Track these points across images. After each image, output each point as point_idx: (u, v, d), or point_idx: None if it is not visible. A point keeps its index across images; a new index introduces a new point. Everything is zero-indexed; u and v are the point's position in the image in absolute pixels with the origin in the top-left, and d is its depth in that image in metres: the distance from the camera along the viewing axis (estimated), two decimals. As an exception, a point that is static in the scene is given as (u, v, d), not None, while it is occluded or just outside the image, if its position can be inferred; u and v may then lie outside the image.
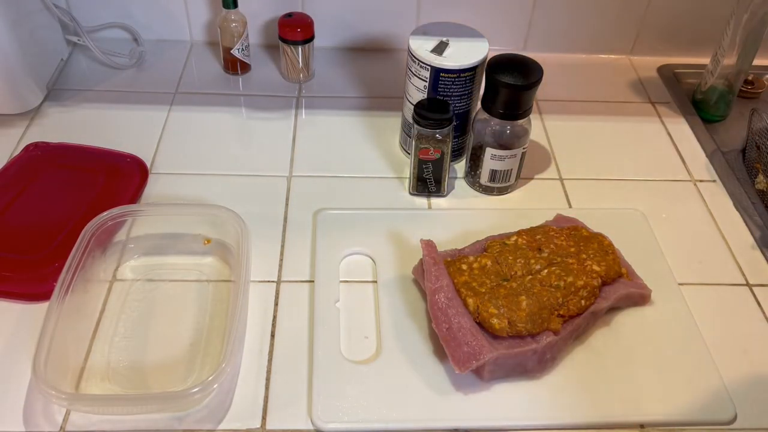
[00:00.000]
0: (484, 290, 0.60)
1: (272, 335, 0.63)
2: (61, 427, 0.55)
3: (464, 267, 0.62)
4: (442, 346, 0.58)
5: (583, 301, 0.60)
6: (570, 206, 0.78)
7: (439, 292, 0.59)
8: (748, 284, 0.70)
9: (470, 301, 0.59)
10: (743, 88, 0.96)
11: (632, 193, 0.81)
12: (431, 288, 0.60)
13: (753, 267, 0.72)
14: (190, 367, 0.60)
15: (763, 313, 0.68)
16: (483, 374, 0.58)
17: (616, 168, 0.84)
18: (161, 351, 0.61)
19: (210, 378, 0.53)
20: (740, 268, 0.72)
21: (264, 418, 0.57)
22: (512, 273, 0.62)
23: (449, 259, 0.64)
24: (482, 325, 0.58)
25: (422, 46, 0.74)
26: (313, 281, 0.68)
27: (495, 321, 0.57)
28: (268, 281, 0.68)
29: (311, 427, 0.56)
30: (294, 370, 0.60)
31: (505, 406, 0.58)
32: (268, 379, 0.60)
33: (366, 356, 0.61)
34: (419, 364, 0.60)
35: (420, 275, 0.64)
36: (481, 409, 0.57)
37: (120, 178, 0.76)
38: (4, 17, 0.78)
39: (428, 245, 0.63)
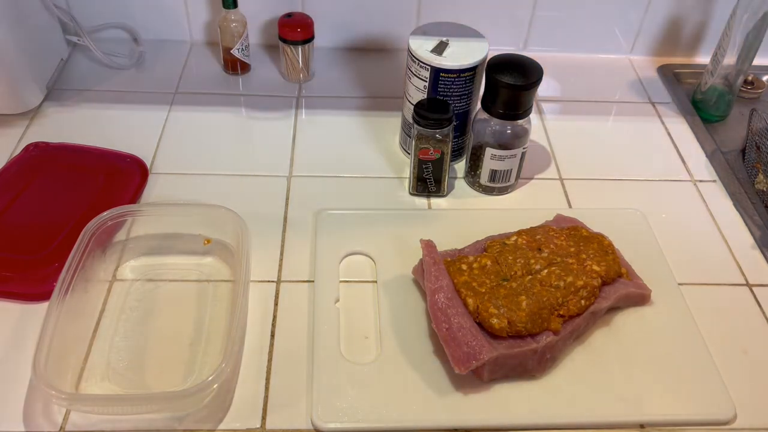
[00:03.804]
0: (484, 290, 0.60)
1: (272, 335, 0.63)
2: (61, 427, 0.55)
3: (464, 267, 0.62)
4: (442, 346, 0.58)
5: (583, 301, 0.60)
6: (570, 206, 0.78)
7: (439, 292, 0.59)
8: (748, 284, 0.70)
9: (470, 301, 0.59)
10: (743, 88, 0.96)
11: (632, 193, 0.81)
12: (431, 288, 0.60)
13: (753, 267, 0.72)
14: (190, 367, 0.60)
15: (763, 313, 0.68)
16: (483, 374, 0.58)
17: (616, 168, 0.84)
18: (161, 351, 0.61)
19: (210, 378, 0.53)
20: (740, 268, 0.72)
21: (264, 418, 0.57)
22: (512, 273, 0.62)
23: (449, 259, 0.64)
24: (482, 325, 0.58)
25: (422, 46, 0.74)
26: (313, 281, 0.68)
27: (495, 321, 0.57)
28: (268, 281, 0.68)
29: (311, 427, 0.56)
30: (294, 370, 0.60)
31: (505, 406, 0.58)
32: (268, 379, 0.59)
33: (366, 356, 0.61)
34: (419, 364, 0.60)
35: (420, 275, 0.64)
36: (481, 409, 0.57)
37: (120, 178, 0.76)
38: (4, 17, 0.78)
39: (428, 245, 0.63)
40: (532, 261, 0.63)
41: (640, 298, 0.66)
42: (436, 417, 0.57)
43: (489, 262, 0.62)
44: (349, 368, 0.59)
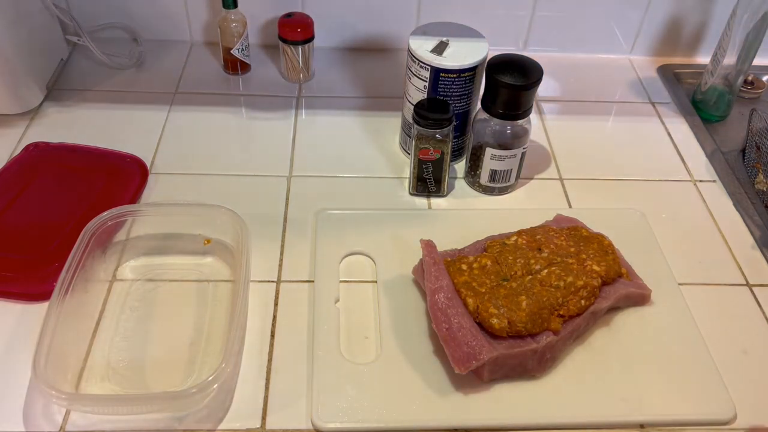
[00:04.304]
0: (484, 290, 0.60)
1: (272, 335, 0.63)
2: (61, 427, 0.55)
3: (464, 267, 0.62)
4: (442, 346, 0.58)
5: (583, 301, 0.60)
6: (570, 206, 0.78)
7: (439, 292, 0.59)
8: (748, 284, 0.70)
9: (470, 301, 0.59)
10: (743, 88, 0.96)
11: (632, 193, 0.81)
12: (431, 288, 0.60)
13: (753, 267, 0.72)
14: (190, 367, 0.60)
15: (763, 313, 0.68)
16: (483, 374, 0.58)
17: (616, 168, 0.84)
18: (161, 351, 0.61)
19: (210, 378, 0.53)
20: (740, 268, 0.72)
21: (264, 418, 0.57)
22: (512, 273, 0.62)
23: (449, 259, 0.64)
24: (482, 325, 0.58)
25: (422, 46, 0.74)
26: (313, 281, 0.68)
27: (495, 321, 0.57)
28: (268, 281, 0.68)
29: (311, 427, 0.56)
30: (294, 370, 0.60)
31: (505, 406, 0.58)
32: (268, 379, 0.60)
33: (366, 356, 0.61)
34: (419, 364, 0.60)
35: (420, 275, 0.64)
36: (481, 409, 0.57)
37: (120, 178, 0.76)
38: (4, 17, 0.78)
39: (428, 245, 0.63)
40: (532, 261, 0.62)
41: (640, 298, 0.66)
42: (436, 417, 0.57)
43: (489, 262, 0.62)
44: (349, 368, 0.59)
